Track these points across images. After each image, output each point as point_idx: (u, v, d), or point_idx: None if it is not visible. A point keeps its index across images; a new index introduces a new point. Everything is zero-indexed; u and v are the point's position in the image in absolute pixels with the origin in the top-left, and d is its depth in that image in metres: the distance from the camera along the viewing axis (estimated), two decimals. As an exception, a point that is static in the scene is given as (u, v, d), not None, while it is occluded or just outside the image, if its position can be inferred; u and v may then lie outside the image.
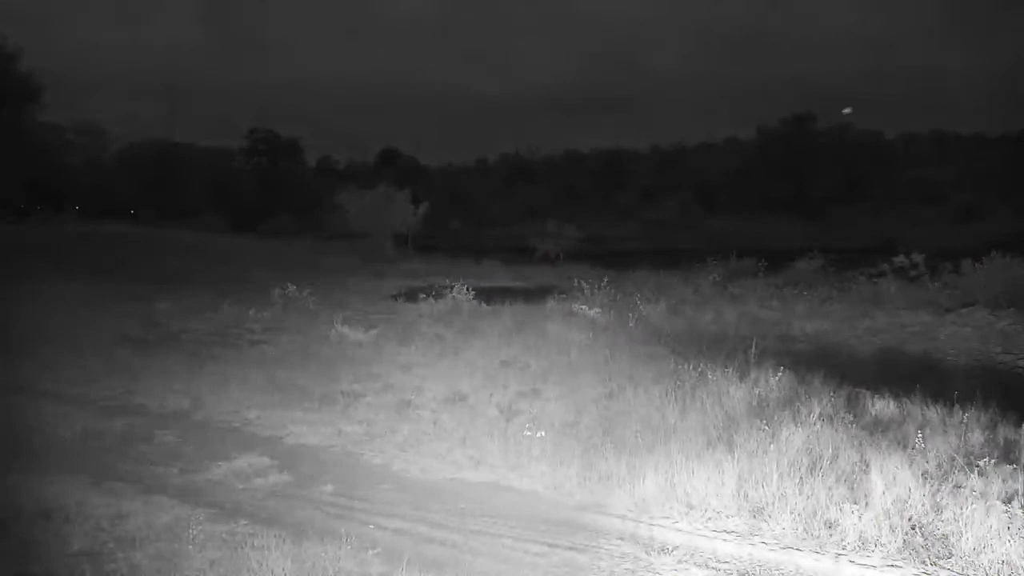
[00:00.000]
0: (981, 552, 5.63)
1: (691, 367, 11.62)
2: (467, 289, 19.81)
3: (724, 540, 6.21)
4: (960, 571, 5.56)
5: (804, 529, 6.16)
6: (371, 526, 6.57)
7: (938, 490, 6.57)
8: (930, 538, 5.94)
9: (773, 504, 6.52)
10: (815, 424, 8.48)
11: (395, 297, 23.38)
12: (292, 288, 20.51)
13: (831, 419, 8.71)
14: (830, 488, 6.63)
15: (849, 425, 8.48)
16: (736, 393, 10.19)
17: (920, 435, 7.72)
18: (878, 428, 8.60)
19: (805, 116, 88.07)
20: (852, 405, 9.54)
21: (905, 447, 7.65)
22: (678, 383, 10.89)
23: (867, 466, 7.04)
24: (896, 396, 9.72)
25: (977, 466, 6.86)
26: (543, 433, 8.58)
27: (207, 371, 12.63)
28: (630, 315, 17.81)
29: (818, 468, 7.07)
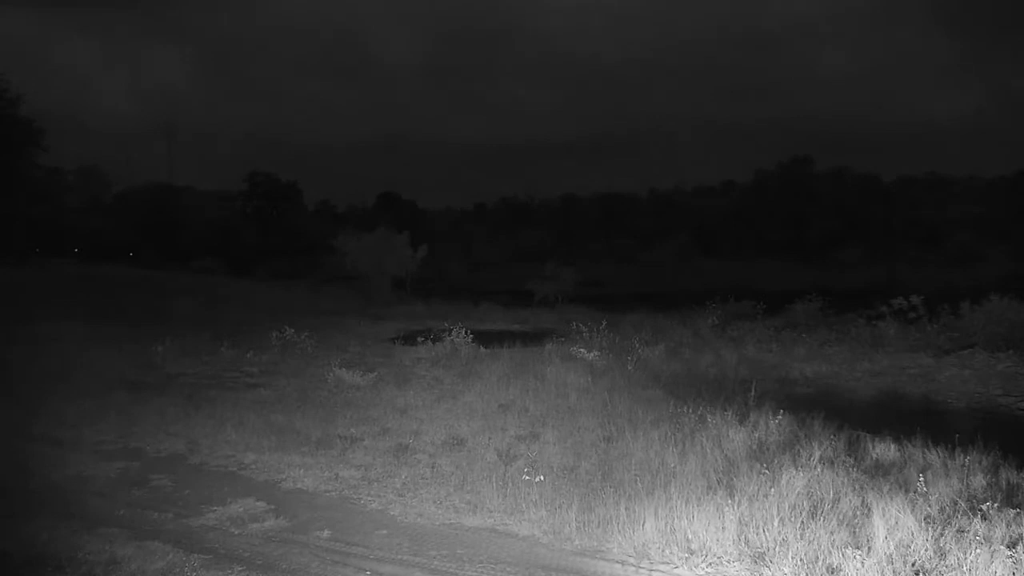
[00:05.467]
0: (986, 598, 5.57)
1: (690, 410, 11.62)
2: (465, 332, 19.80)
3: (726, 586, 6.14)
4: (965, 618, 5.49)
5: (806, 575, 6.09)
6: (367, 572, 6.50)
7: (941, 535, 6.51)
8: (934, 584, 5.88)
9: (775, 549, 6.46)
10: (816, 468, 8.45)
11: (393, 340, 23.30)
12: (290, 331, 20.51)
13: (832, 462, 8.71)
14: (832, 533, 6.58)
15: (850, 469, 8.48)
16: (736, 436, 10.17)
17: (922, 479, 7.69)
18: (879, 471, 8.57)
19: (802, 159, 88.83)
20: (853, 448, 9.52)
21: (907, 491, 7.62)
22: (677, 426, 10.89)
23: (869, 510, 7.00)
24: (897, 439, 9.69)
25: (980, 510, 6.81)
26: (542, 477, 8.55)
27: (204, 414, 12.55)
28: (629, 358, 17.79)
29: (819, 512, 7.03)
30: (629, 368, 16.95)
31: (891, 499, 7.20)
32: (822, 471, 8.29)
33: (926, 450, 9.33)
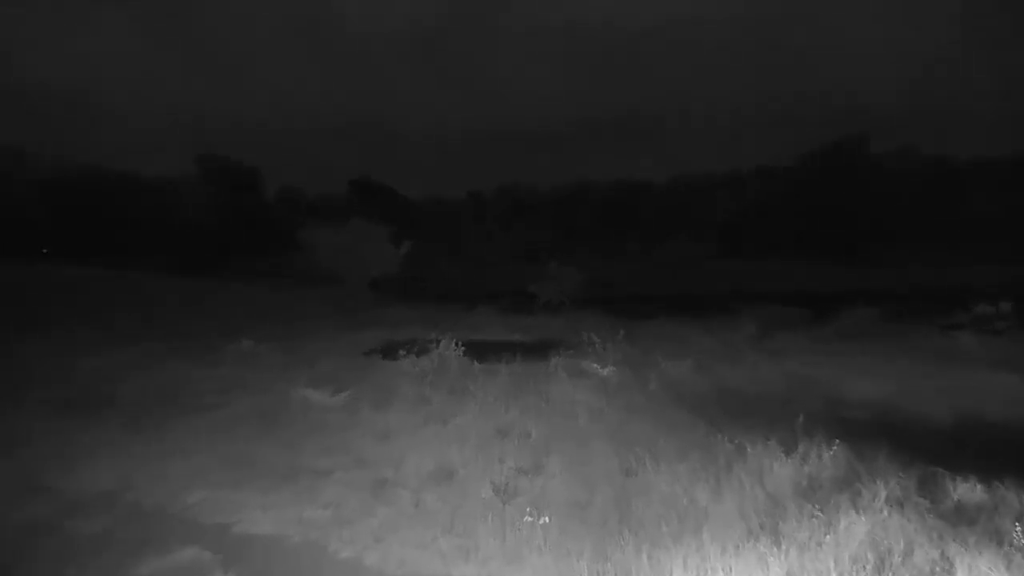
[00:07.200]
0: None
1: (724, 438, 11.50)
2: (456, 343, 19.68)
3: (775, 658, 5.92)
4: None
5: (873, 644, 5.88)
6: (335, 640, 6.28)
7: (1042, 596, 6.31)
8: (1032, 657, 5.65)
9: (833, 611, 6.25)
10: (881, 511, 8.22)
11: (371, 352, 23.16)
12: (248, 342, 20.39)
13: (901, 505, 8.48)
14: (905, 592, 6.37)
15: (924, 513, 8.25)
16: (781, 471, 9.97)
17: (1018, 527, 7.47)
18: (962, 518, 8.32)
19: (856, 138, 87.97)
20: (927, 487, 9.27)
21: (999, 542, 7.40)
22: (709, 457, 10.75)
23: (951, 565, 6.82)
24: (984, 477, 9.43)
25: (1092, 568, 6.60)
26: (547, 518, 8.46)
27: (142, 442, 12.38)
28: (649, 374, 17.66)
29: (887, 566, 6.86)
30: (650, 386, 16.82)
31: (979, 552, 7.01)
32: (889, 515, 8.07)
33: (1022, 492, 9.05)
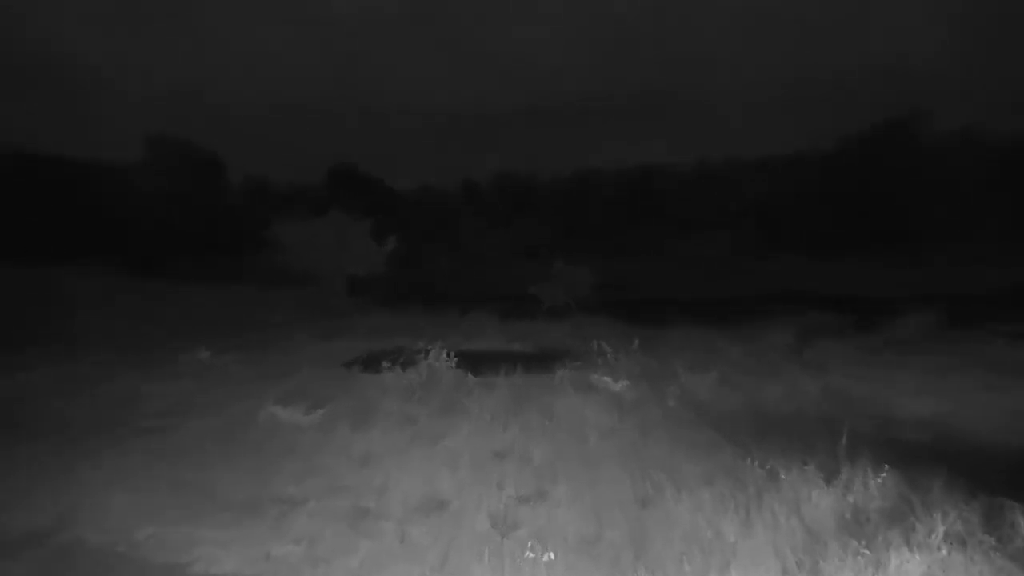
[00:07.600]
0: None
1: (755, 462, 11.49)
2: (448, 353, 19.70)
3: None
4: None
5: None
6: None
7: None
8: None
9: (883, 665, 6.20)
10: (939, 549, 8.15)
11: (350, 364, 23.18)
12: (206, 353, 20.38)
13: (963, 542, 8.39)
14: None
15: (991, 552, 8.17)
16: (821, 501, 9.95)
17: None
18: (1037, 558, 8.25)
19: (914, 115, 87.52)
20: (992, 522, 9.17)
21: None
22: (738, 485, 10.76)
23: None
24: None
25: None
26: (551, 554, 8.47)
27: (82, 470, 12.32)
28: (668, 389, 17.70)
29: (947, 614, 6.76)
30: (669, 402, 16.85)
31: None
32: (948, 554, 8.01)
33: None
